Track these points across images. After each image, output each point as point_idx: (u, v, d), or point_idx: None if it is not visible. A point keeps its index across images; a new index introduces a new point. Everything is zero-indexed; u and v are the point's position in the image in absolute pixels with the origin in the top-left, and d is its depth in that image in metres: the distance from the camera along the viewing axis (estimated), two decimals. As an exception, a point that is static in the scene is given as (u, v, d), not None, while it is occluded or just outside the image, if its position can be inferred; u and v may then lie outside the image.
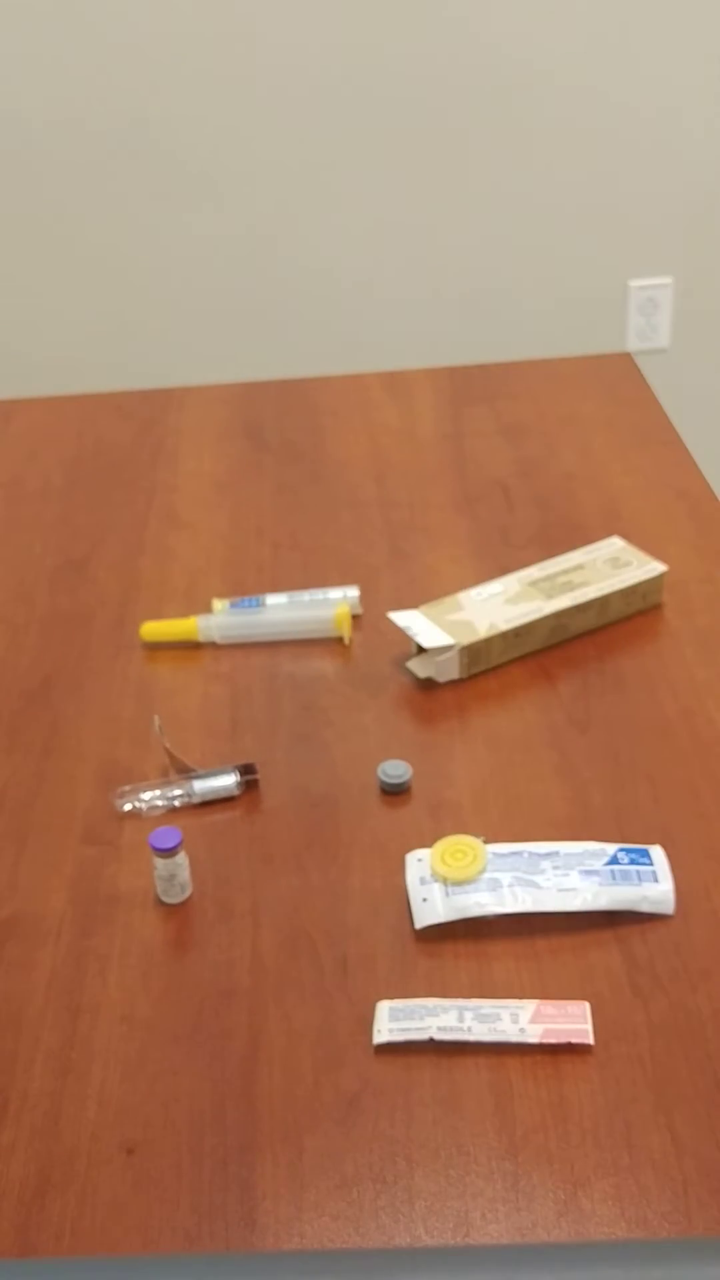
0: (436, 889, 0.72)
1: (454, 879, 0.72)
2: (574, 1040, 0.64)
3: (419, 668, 0.91)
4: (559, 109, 1.88)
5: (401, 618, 0.93)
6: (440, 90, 1.85)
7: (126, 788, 0.82)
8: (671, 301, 2.03)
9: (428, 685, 0.90)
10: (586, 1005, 0.66)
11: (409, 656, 0.92)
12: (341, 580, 1.01)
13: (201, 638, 0.96)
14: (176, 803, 0.81)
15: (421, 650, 0.91)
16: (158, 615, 0.98)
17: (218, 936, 0.73)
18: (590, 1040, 0.65)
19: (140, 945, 0.72)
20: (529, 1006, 0.66)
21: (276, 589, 1.00)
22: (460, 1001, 0.66)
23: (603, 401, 1.27)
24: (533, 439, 1.21)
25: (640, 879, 0.72)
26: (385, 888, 0.75)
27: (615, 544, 0.99)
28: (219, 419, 1.29)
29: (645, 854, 0.74)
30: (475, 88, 1.85)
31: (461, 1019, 0.65)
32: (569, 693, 0.89)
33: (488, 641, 0.90)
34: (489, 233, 1.94)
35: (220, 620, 0.96)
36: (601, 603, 0.93)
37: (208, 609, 0.98)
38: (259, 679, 0.92)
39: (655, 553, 0.99)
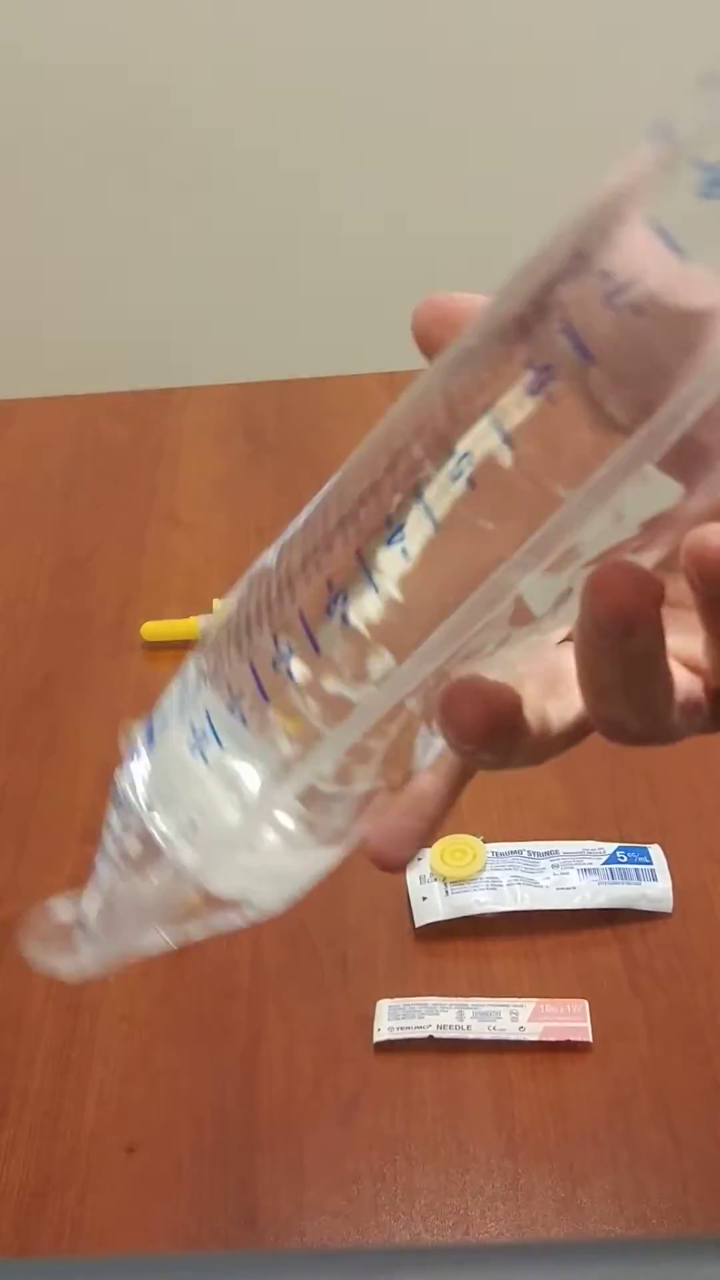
0: (436, 888, 0.72)
1: (453, 878, 0.72)
2: (573, 1038, 0.64)
3: (419, 667, 0.91)
4: (560, 109, 1.88)
5: (401, 617, 0.92)
6: (441, 90, 1.85)
7: (126, 787, 0.82)
8: (671, 301, 2.03)
9: (427, 685, 0.90)
10: (586, 1004, 0.66)
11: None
12: (341, 580, 1.01)
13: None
14: (176, 802, 0.81)
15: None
16: (158, 615, 0.98)
17: (218, 936, 0.72)
18: (590, 1038, 0.65)
19: (140, 944, 0.72)
20: (528, 1005, 0.66)
21: (276, 589, 1.00)
22: (460, 1000, 0.67)
23: (602, 401, 1.27)
24: (532, 439, 1.20)
25: (639, 878, 0.72)
26: (385, 887, 0.75)
27: (615, 543, 0.99)
28: (219, 419, 1.29)
29: (644, 853, 0.74)
30: (477, 88, 1.85)
31: (461, 1017, 0.65)
32: (568, 692, 0.89)
33: (487, 641, 0.90)
34: (490, 234, 1.94)
35: (220, 620, 0.96)
36: (601, 602, 0.93)
37: (208, 609, 0.98)
38: (259, 679, 0.92)
39: (655, 552, 0.99)
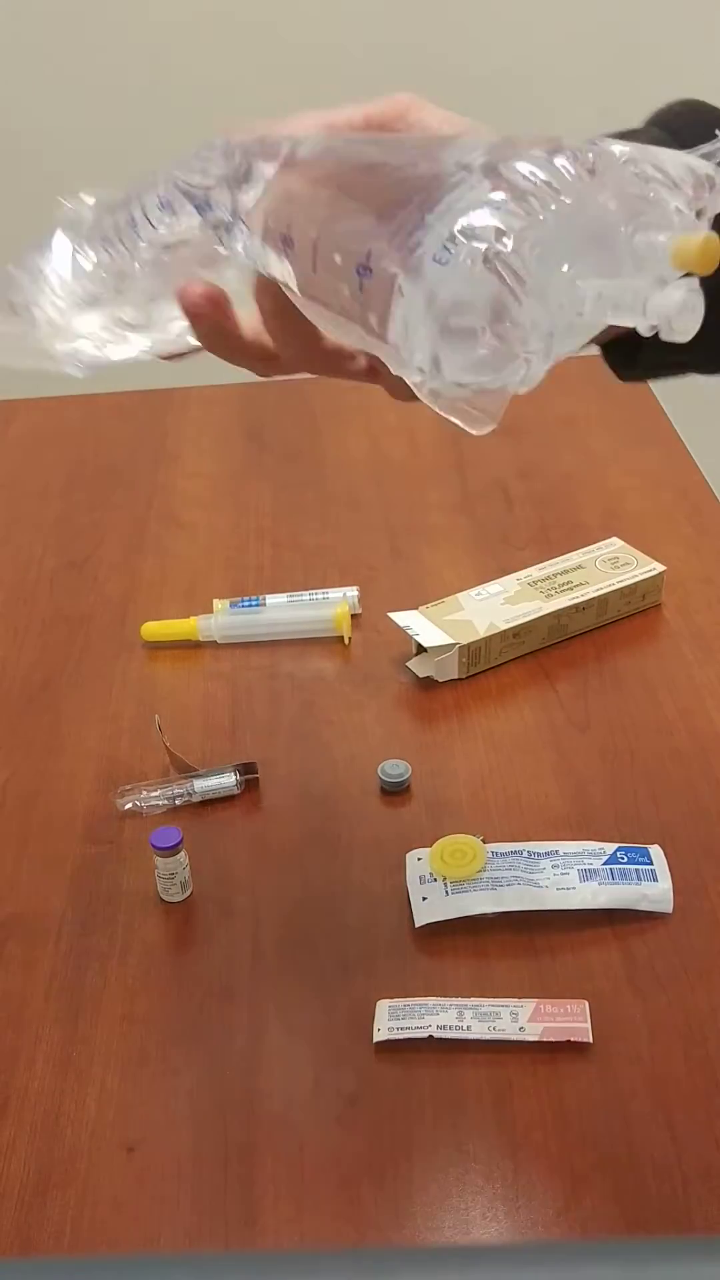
0: (436, 888, 0.72)
1: (453, 878, 0.72)
2: (573, 1039, 0.64)
3: (419, 667, 0.91)
4: (561, 108, 1.88)
5: (401, 618, 0.93)
6: (441, 90, 1.85)
7: (127, 787, 0.82)
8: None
9: (427, 685, 0.90)
10: (586, 1004, 0.66)
11: (409, 656, 0.92)
12: (341, 580, 1.01)
13: (202, 637, 0.96)
14: (177, 802, 0.81)
15: (421, 650, 0.91)
16: (158, 615, 0.99)
17: (218, 935, 0.73)
18: (589, 1039, 0.65)
19: (140, 944, 0.72)
20: (528, 1005, 0.66)
21: (276, 589, 1.00)
22: (460, 1000, 0.67)
23: (602, 401, 1.27)
24: (532, 439, 1.21)
25: (639, 878, 0.72)
26: (385, 887, 0.75)
27: (614, 544, 0.99)
28: (219, 419, 1.29)
29: (644, 853, 0.74)
30: (476, 87, 1.85)
31: (461, 1017, 0.65)
32: (568, 692, 0.89)
33: (487, 641, 0.90)
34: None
35: (220, 620, 0.96)
36: (600, 602, 0.94)
37: (208, 609, 0.98)
38: (259, 679, 0.92)
39: (655, 553, 0.99)
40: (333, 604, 0.96)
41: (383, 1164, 0.60)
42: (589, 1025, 0.65)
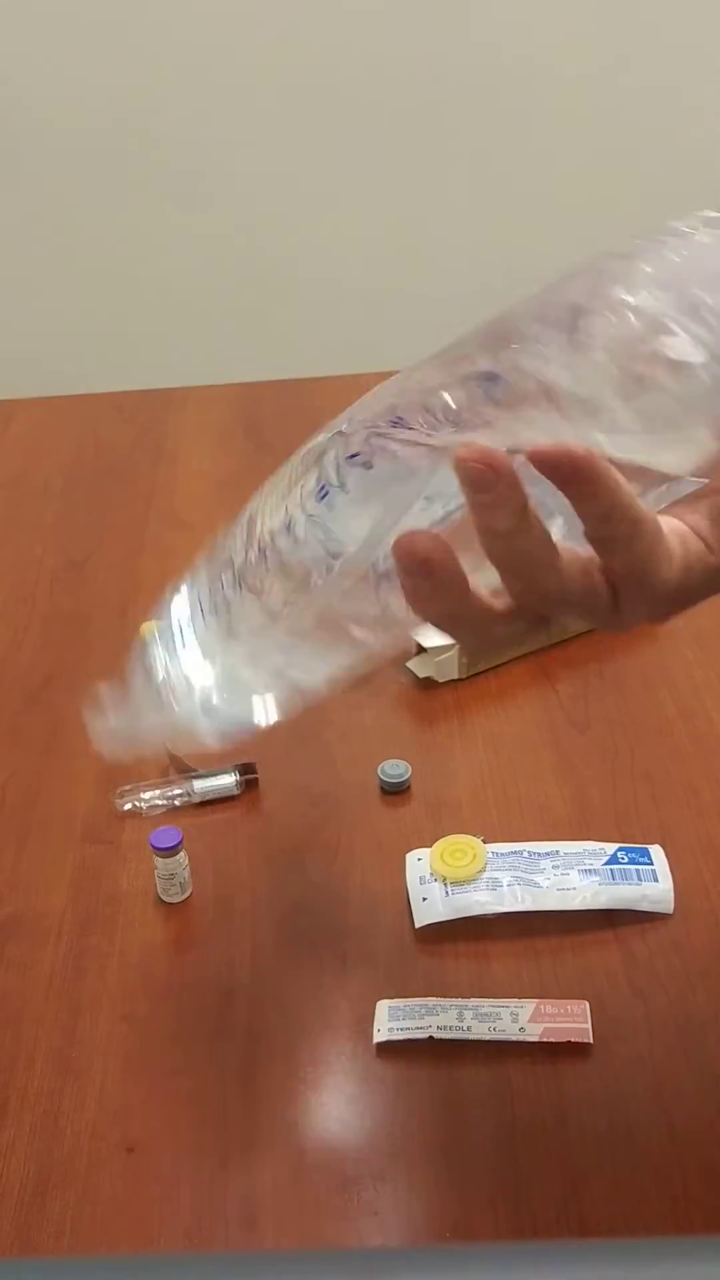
0: (436, 888, 0.72)
1: (454, 878, 0.72)
2: (574, 1039, 0.64)
3: (419, 668, 0.91)
4: (560, 110, 1.88)
5: (401, 618, 0.93)
6: (440, 90, 1.85)
7: (126, 787, 0.82)
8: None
9: (428, 685, 0.90)
10: (586, 1004, 0.66)
11: (409, 656, 0.92)
12: (341, 580, 1.01)
13: (201, 637, 0.96)
14: (176, 802, 0.81)
15: (421, 650, 0.91)
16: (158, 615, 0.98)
17: (218, 936, 0.73)
18: (590, 1039, 0.65)
19: (140, 944, 0.72)
20: (529, 1005, 0.66)
21: (276, 589, 1.00)
22: (460, 1000, 0.67)
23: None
24: (532, 439, 1.20)
25: (640, 878, 0.72)
26: (385, 887, 0.75)
27: (615, 544, 0.99)
28: (219, 419, 1.29)
29: (645, 853, 0.74)
30: (475, 88, 1.85)
31: (461, 1018, 0.65)
32: (568, 693, 0.89)
33: (487, 641, 0.90)
34: (490, 233, 1.95)
35: (220, 620, 0.96)
36: (601, 602, 0.93)
37: (208, 609, 0.98)
38: (259, 679, 0.92)
39: (655, 552, 0.98)
40: (333, 604, 0.96)
41: (382, 1163, 0.60)
42: (589, 1025, 0.65)
